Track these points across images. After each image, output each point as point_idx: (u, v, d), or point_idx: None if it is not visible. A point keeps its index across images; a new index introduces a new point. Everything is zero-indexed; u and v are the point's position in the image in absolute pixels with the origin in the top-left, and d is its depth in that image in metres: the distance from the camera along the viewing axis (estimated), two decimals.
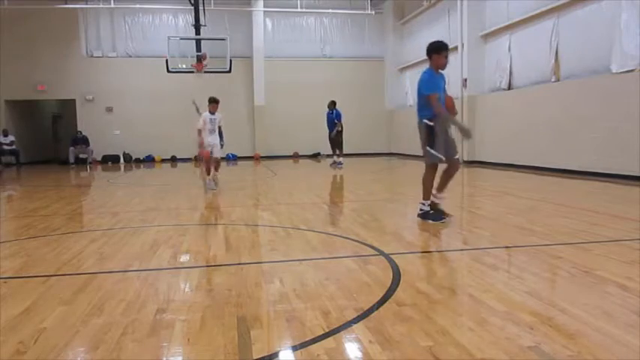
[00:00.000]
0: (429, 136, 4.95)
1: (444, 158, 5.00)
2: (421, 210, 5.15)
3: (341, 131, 13.40)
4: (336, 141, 13.50)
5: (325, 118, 13.66)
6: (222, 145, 8.69)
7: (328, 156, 14.26)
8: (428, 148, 4.97)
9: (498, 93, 13.02)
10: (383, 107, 20.22)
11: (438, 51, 5.00)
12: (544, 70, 11.15)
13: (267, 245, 4.40)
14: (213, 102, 8.54)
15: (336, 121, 13.32)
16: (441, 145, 4.95)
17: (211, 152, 8.46)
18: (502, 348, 2.09)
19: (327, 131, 13.62)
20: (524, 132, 11.73)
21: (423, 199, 5.15)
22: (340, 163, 13.39)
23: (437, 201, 5.16)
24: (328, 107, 13.63)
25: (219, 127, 8.60)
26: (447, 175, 5.14)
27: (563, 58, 10.68)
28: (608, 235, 4.37)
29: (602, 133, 9.33)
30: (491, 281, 3.05)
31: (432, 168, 5.11)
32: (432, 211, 5.08)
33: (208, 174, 8.56)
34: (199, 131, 8.44)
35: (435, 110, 4.89)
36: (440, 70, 5.06)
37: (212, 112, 8.52)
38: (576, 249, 3.86)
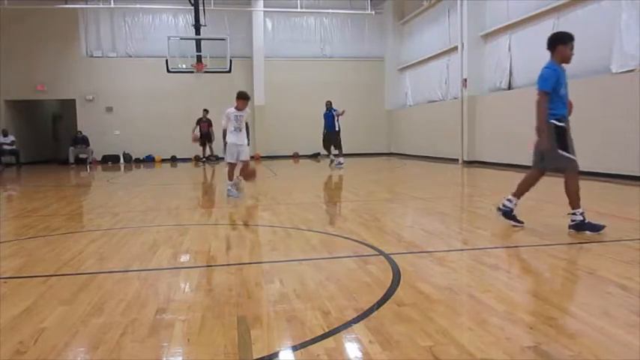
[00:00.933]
0: (561, 139, 4.47)
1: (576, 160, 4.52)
2: (573, 221, 4.46)
3: (339, 130, 13.48)
4: (336, 140, 13.53)
5: (324, 119, 13.70)
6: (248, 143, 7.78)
7: (326, 156, 14.31)
8: (561, 151, 4.49)
9: (498, 93, 13.01)
10: (383, 107, 20.22)
11: (564, 41, 4.47)
12: None
13: (267, 245, 4.40)
14: (243, 98, 7.42)
15: (336, 119, 13.38)
16: (572, 146, 4.52)
17: (237, 154, 7.33)
18: (502, 348, 2.09)
19: (325, 132, 13.68)
20: (524, 132, 11.70)
21: (573, 208, 4.51)
22: (341, 163, 13.40)
23: (511, 206, 4.86)
24: (326, 107, 13.73)
25: (247, 124, 7.70)
26: (533, 182, 4.88)
27: None
28: (608, 235, 4.37)
29: (602, 133, 9.33)
30: (491, 281, 3.05)
31: (573, 172, 4.56)
32: (587, 221, 4.39)
33: (230, 179, 7.46)
34: (225, 132, 7.38)
35: (539, 110, 4.52)
36: (563, 64, 4.55)
37: (239, 109, 7.39)
38: (576, 249, 3.86)
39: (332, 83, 19.43)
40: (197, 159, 17.02)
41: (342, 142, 13.61)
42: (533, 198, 6.94)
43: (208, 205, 7.44)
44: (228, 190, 7.39)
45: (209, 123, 16.54)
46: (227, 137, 7.30)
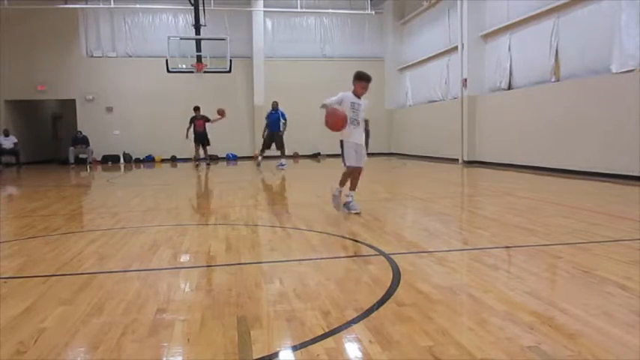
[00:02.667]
0: None
1: None
2: None
3: (282, 132, 13.52)
4: (280, 142, 13.46)
5: (267, 119, 13.66)
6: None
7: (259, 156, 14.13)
8: None
9: (498, 93, 13.02)
10: (383, 107, 20.21)
11: None
12: (544, 70, 11.15)
13: (267, 245, 4.40)
14: (365, 79, 5.65)
15: (282, 120, 13.33)
16: None
17: (359, 156, 5.86)
18: (502, 348, 2.09)
19: (267, 132, 13.64)
20: (524, 132, 11.73)
21: None
22: (283, 164, 13.38)
23: None
24: (273, 107, 13.64)
25: (366, 122, 5.73)
26: None
27: (563, 58, 10.68)
28: (608, 235, 4.37)
29: (602, 133, 9.33)
30: (491, 281, 3.05)
31: None
32: None
33: (342, 185, 5.89)
34: (323, 106, 5.63)
35: None
36: None
37: (356, 94, 5.68)
38: (576, 249, 3.86)
39: (332, 83, 19.23)
40: (196, 159, 15.52)
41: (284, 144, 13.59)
42: (534, 198, 6.95)
43: (208, 205, 7.44)
44: (349, 202, 5.73)
45: (205, 119, 14.96)
46: (342, 132, 5.71)
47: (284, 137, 13.71)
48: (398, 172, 13.00)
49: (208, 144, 15.21)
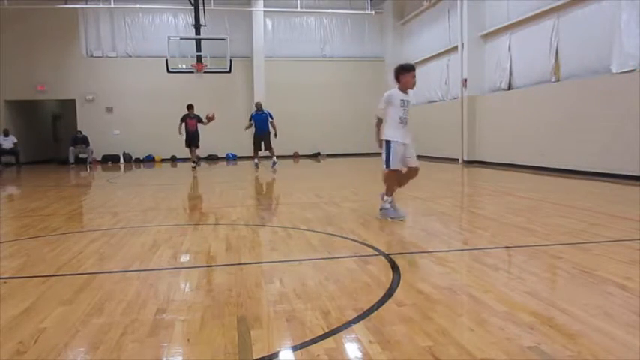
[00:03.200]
0: None
1: None
2: None
3: (269, 132, 13.36)
4: (268, 142, 13.36)
5: (254, 120, 13.44)
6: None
7: (254, 158, 13.82)
8: None
9: (498, 93, 13.02)
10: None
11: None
12: (544, 70, 11.15)
13: (267, 245, 4.40)
14: (411, 69, 5.18)
15: (271, 120, 13.23)
16: None
17: (405, 158, 5.26)
18: (502, 348, 2.09)
19: (255, 134, 13.42)
20: (524, 132, 11.73)
21: None
22: (276, 163, 13.32)
23: None
24: (258, 109, 13.48)
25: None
26: None
27: (563, 58, 10.68)
28: (608, 235, 4.37)
29: (602, 133, 9.33)
30: (491, 281, 3.05)
31: None
32: None
33: (390, 192, 5.32)
34: (379, 122, 5.23)
35: None
36: None
37: (403, 90, 5.17)
38: (576, 249, 3.86)
39: (332, 83, 19.45)
40: (193, 161, 14.16)
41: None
42: (534, 198, 6.95)
43: (208, 205, 7.44)
44: (386, 209, 5.29)
45: (197, 119, 13.76)
46: (385, 132, 5.19)
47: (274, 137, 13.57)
48: None
49: (197, 146, 14.01)
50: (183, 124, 13.70)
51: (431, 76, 16.74)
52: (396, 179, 5.31)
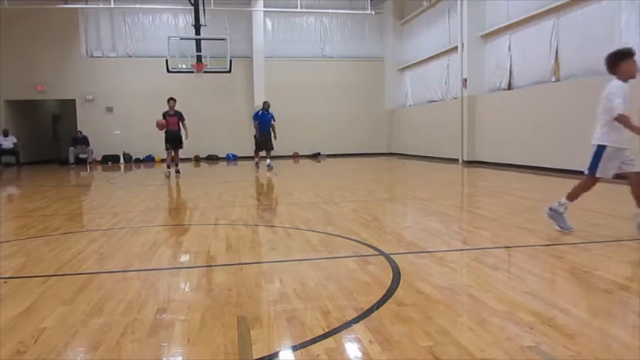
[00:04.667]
0: None
1: None
2: None
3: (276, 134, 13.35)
4: (270, 143, 13.34)
5: (258, 119, 13.36)
6: None
7: (262, 158, 13.64)
8: None
9: (498, 93, 13.02)
10: (383, 107, 20.21)
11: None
12: (544, 70, 11.15)
13: (267, 245, 4.40)
14: (632, 54, 4.39)
15: (273, 122, 13.22)
16: None
17: (621, 163, 4.61)
18: (502, 348, 2.09)
19: (259, 132, 13.33)
20: (524, 132, 11.73)
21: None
22: (271, 165, 13.28)
23: None
24: (265, 108, 13.40)
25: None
26: None
27: (563, 58, 10.68)
28: (608, 235, 4.37)
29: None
30: (492, 281, 3.05)
31: None
32: None
33: (573, 199, 4.67)
34: (624, 118, 4.28)
35: None
36: None
37: (624, 81, 4.41)
38: (576, 249, 3.86)
39: (332, 83, 19.44)
40: (168, 166, 11.86)
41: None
42: (534, 198, 6.94)
43: (208, 205, 7.43)
44: (559, 214, 4.58)
45: (179, 117, 11.73)
46: (606, 136, 4.51)
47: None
48: (398, 172, 12.99)
49: (181, 147, 11.96)
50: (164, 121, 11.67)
51: (431, 76, 16.74)
52: (590, 188, 4.63)
